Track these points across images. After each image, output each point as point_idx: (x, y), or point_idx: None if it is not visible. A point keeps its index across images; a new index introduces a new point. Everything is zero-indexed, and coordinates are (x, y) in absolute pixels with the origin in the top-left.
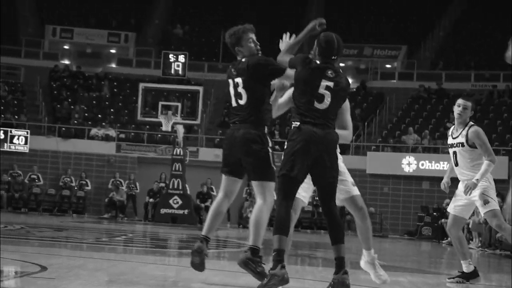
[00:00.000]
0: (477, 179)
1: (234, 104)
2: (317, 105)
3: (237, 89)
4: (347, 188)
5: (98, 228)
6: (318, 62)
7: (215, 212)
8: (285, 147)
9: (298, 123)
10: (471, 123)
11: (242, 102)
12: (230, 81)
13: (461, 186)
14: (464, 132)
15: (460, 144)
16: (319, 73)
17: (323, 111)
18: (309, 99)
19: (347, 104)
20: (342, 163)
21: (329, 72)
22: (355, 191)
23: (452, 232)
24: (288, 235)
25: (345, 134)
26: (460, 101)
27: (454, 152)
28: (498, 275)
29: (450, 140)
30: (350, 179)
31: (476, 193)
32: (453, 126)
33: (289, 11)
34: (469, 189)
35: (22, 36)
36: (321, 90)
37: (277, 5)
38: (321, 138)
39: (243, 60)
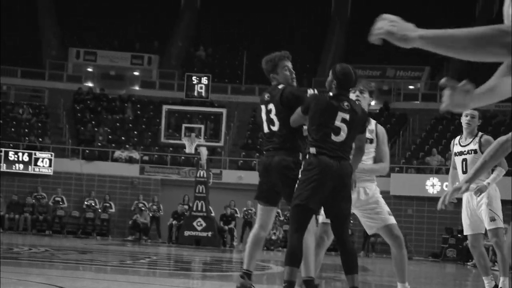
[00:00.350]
0: (488, 183)
1: (266, 130)
2: (333, 137)
3: (269, 115)
4: (383, 216)
5: (122, 251)
6: (331, 94)
7: (253, 244)
8: (300, 175)
9: (314, 153)
10: (480, 132)
11: (274, 128)
12: (263, 106)
13: (465, 200)
14: (476, 140)
15: (473, 151)
16: (335, 105)
17: (339, 143)
18: (325, 131)
19: (384, 135)
20: (378, 193)
21: (345, 104)
22: (391, 220)
23: (475, 246)
24: (299, 266)
25: (382, 168)
26: (467, 111)
27: (464, 160)
28: None
29: (458, 148)
30: (386, 208)
31: (483, 200)
32: (459, 136)
33: (313, 32)
34: (479, 191)
35: (46, 59)
36: (337, 123)
37: (300, 26)
38: (337, 171)
39: (279, 87)
